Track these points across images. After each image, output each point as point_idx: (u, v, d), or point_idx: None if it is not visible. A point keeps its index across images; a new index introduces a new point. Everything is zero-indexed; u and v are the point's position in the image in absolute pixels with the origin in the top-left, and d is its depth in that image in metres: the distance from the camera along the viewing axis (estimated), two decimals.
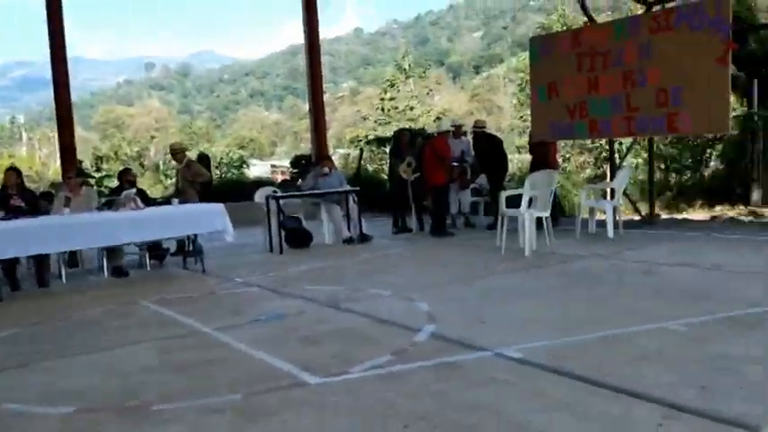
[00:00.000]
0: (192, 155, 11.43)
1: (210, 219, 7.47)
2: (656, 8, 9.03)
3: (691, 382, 3.19)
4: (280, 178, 21.08)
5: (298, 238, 9.04)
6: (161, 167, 37.74)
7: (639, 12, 9.61)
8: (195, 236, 7.79)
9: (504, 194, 7.86)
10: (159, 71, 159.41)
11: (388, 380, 3.49)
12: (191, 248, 8.04)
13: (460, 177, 10.14)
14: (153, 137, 51.72)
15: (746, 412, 2.80)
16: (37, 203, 7.82)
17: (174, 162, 9.97)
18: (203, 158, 11.54)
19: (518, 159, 17.51)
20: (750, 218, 10.28)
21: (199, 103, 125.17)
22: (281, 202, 8.98)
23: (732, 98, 13.65)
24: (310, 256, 8.31)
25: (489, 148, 9.93)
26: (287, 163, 22.29)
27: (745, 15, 12.32)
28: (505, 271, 6.53)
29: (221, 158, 28.82)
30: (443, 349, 3.97)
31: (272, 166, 43.88)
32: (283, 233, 8.90)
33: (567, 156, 17.33)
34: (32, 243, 6.53)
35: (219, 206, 7.61)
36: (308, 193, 9.30)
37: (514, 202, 7.57)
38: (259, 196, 9.37)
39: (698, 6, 7.48)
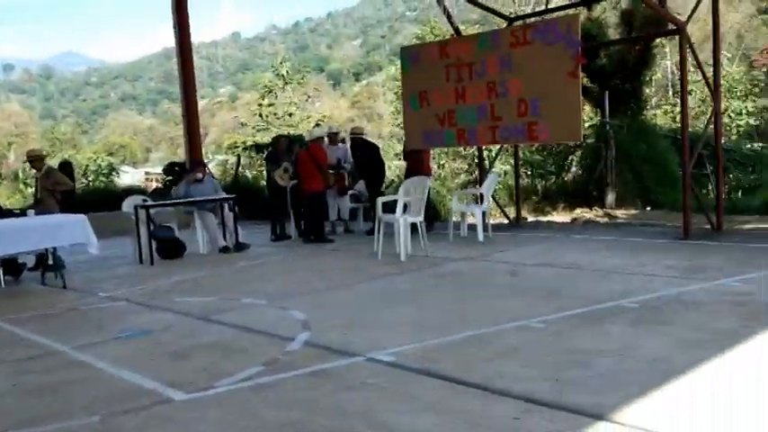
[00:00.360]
0: (56, 162, 10.72)
1: (71, 230, 7.02)
2: (518, 23, 9.56)
3: (546, 376, 3.39)
4: (154, 186, 20.19)
5: (170, 248, 8.70)
6: (20, 176, 34.91)
7: (503, 26, 10.12)
8: (55, 249, 7.29)
9: (380, 200, 8.00)
10: (19, 73, 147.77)
11: (258, 391, 3.44)
12: (50, 263, 7.51)
13: (338, 184, 10.21)
14: (11, 143, 47.75)
15: (595, 402, 3.02)
16: None
17: (33, 170, 9.28)
18: (65, 166, 10.85)
19: (396, 166, 17.85)
20: (605, 219, 11.09)
21: (63, 107, 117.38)
22: (151, 211, 8.61)
23: (587, 108, 14.76)
24: (183, 267, 8.03)
25: (367, 155, 10.05)
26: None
27: (596, 32, 13.30)
28: (382, 275, 6.64)
29: (87, 166, 27.14)
30: (316, 357, 3.97)
31: (146, 173, 41.86)
32: (154, 243, 8.54)
33: (442, 162, 17.88)
34: None
35: (81, 217, 7.17)
36: (178, 201, 8.97)
37: (391, 207, 7.72)
38: (127, 205, 8.94)
39: (551, 23, 8.00)
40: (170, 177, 14.28)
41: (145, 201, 9.11)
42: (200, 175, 9.14)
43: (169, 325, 5.08)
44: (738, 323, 4.12)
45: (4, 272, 7.68)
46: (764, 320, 4.13)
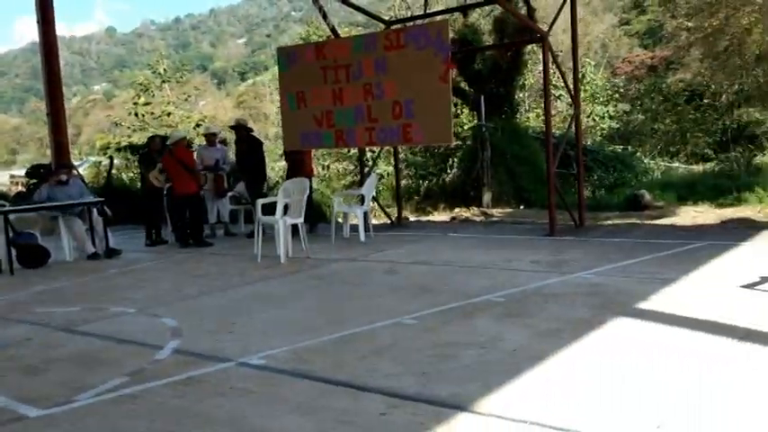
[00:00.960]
0: None
1: None
2: (395, 27, 9.76)
3: (414, 371, 3.50)
4: (17, 190, 18.77)
5: (31, 256, 8.13)
6: None
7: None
8: None
9: (259, 202, 7.90)
10: None
11: (121, 403, 3.31)
12: None
13: (218, 185, 9.96)
14: None
15: (458, 393, 3.15)
16: None
17: None
18: None
19: (280, 167, 17.70)
20: (482, 218, 11.57)
21: None
22: (10, 216, 8.01)
23: (465, 111, 15.36)
24: (46, 276, 7.54)
25: (250, 148, 9.77)
26: None
27: (472, 38, 13.87)
28: (260, 278, 6.57)
29: None
30: (186, 364, 3.87)
31: (12, 176, 38.83)
32: (14, 251, 7.95)
33: (327, 164, 17.94)
34: None
35: None
36: (41, 205, 8.39)
37: (272, 209, 7.65)
38: None
39: (422, 29, 8.24)
40: (35, 180, 13.33)
41: (2, 205, 8.47)
42: (63, 177, 8.60)
43: (26, 338, 4.76)
44: (591, 313, 4.44)
45: None
46: (614, 309, 4.48)
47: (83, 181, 10.64)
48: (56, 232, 8.77)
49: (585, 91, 20.24)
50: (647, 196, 11.83)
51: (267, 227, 7.88)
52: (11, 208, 8.30)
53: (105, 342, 4.52)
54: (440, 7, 10.47)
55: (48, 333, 4.88)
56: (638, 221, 9.57)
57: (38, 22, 11.97)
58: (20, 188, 20.51)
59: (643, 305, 4.60)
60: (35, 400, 3.39)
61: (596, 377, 3.28)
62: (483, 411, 2.94)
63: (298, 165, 9.46)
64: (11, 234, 7.97)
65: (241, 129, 9.78)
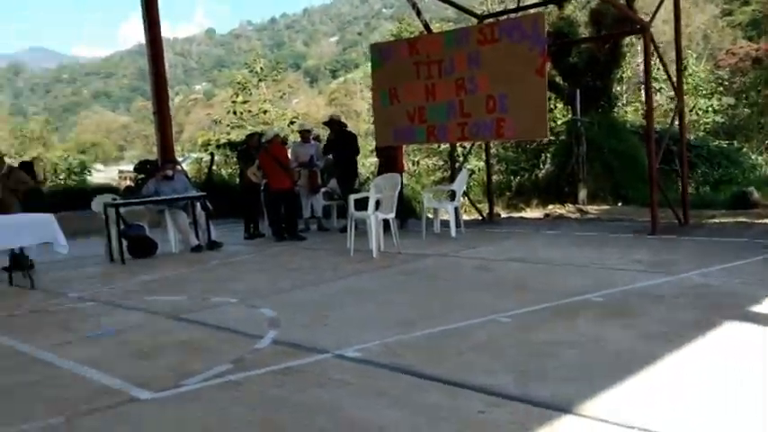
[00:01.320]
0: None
1: (37, 230, 6.92)
2: (487, 21, 9.63)
3: (512, 369, 3.44)
4: (127, 184, 19.96)
5: (141, 247, 8.62)
6: None
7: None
8: (21, 249, 7.18)
9: (352, 198, 8.01)
10: None
11: (225, 389, 3.44)
12: (8, 264, 7.40)
13: (311, 181, 10.18)
14: None
15: (559, 393, 3.07)
16: None
17: None
18: (26, 165, 10.64)
19: (371, 163, 17.88)
20: (577, 215, 11.23)
21: (34, 104, 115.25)
22: (121, 209, 8.53)
23: (560, 106, 14.95)
24: (154, 266, 7.97)
25: (343, 144, 9.90)
26: None
27: (567, 30, 13.48)
28: (353, 272, 6.65)
29: (57, 164, 26.74)
30: (284, 354, 3.97)
31: (120, 171, 41.33)
32: (125, 242, 8.46)
33: (417, 159, 17.96)
34: None
35: (48, 216, 7.07)
36: (149, 199, 8.88)
37: (364, 205, 7.75)
38: (96, 204, 8.83)
39: (517, 22, 8.08)
40: (142, 175, 14.14)
41: (114, 199, 9.02)
42: (169, 173, 9.06)
43: (138, 324, 5.04)
44: (699, 315, 4.21)
45: None
46: (724, 312, 4.23)
47: (186, 176, 11.14)
48: (162, 225, 9.26)
49: (688, 84, 19.22)
50: (756, 194, 11.11)
51: (359, 222, 7.98)
52: (122, 201, 8.82)
53: (209, 330, 4.71)
54: (533, 0, 10.17)
55: (156, 320, 5.15)
56: (747, 220, 9.00)
57: (144, 22, 12.61)
58: (128, 183, 21.81)
59: (755, 308, 4.32)
60: (147, 384, 3.58)
61: (708, 382, 3.10)
62: (587, 414, 2.84)
63: (390, 161, 9.51)
64: (122, 226, 8.48)
65: (334, 124, 9.93)
